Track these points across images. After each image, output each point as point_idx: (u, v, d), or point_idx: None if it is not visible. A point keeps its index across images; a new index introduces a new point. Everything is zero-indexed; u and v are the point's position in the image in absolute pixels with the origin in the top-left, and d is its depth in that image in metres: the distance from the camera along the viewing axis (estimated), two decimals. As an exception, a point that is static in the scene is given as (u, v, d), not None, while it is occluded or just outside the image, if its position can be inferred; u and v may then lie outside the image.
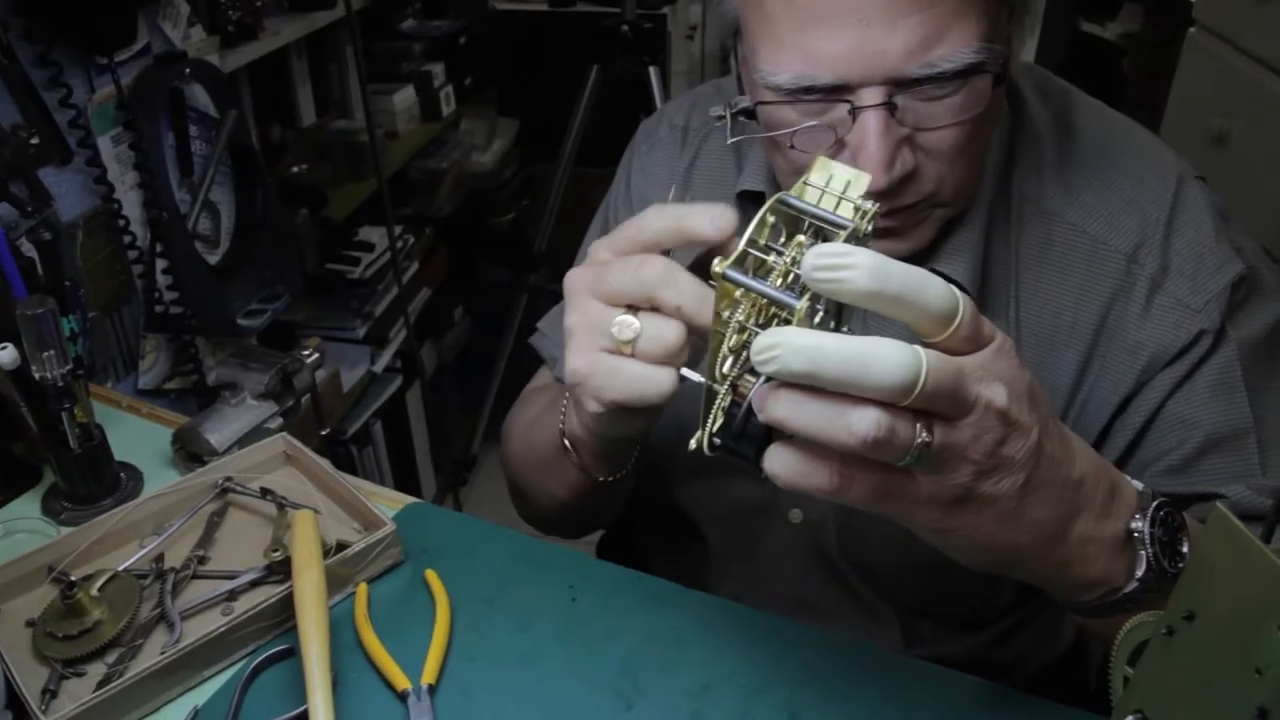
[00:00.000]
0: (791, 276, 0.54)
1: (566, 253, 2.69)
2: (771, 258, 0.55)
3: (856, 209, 0.56)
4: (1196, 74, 2.05)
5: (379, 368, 2.18)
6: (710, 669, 0.75)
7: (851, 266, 0.46)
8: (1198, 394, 0.78)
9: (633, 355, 0.62)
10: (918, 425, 0.49)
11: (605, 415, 0.66)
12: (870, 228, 0.56)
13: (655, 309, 0.61)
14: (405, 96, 2.31)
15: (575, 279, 0.66)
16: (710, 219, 0.60)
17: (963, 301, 0.50)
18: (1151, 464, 0.80)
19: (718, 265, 0.53)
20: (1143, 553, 0.62)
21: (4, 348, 0.83)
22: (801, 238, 0.56)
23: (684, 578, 0.85)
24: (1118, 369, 0.79)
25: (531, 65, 2.82)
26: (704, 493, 0.96)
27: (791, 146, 0.71)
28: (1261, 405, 0.78)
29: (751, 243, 0.55)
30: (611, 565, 0.85)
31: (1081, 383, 0.81)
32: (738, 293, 0.54)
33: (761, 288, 0.53)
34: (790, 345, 0.47)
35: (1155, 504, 0.63)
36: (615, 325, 0.62)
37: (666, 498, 0.99)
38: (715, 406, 0.56)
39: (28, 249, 1.05)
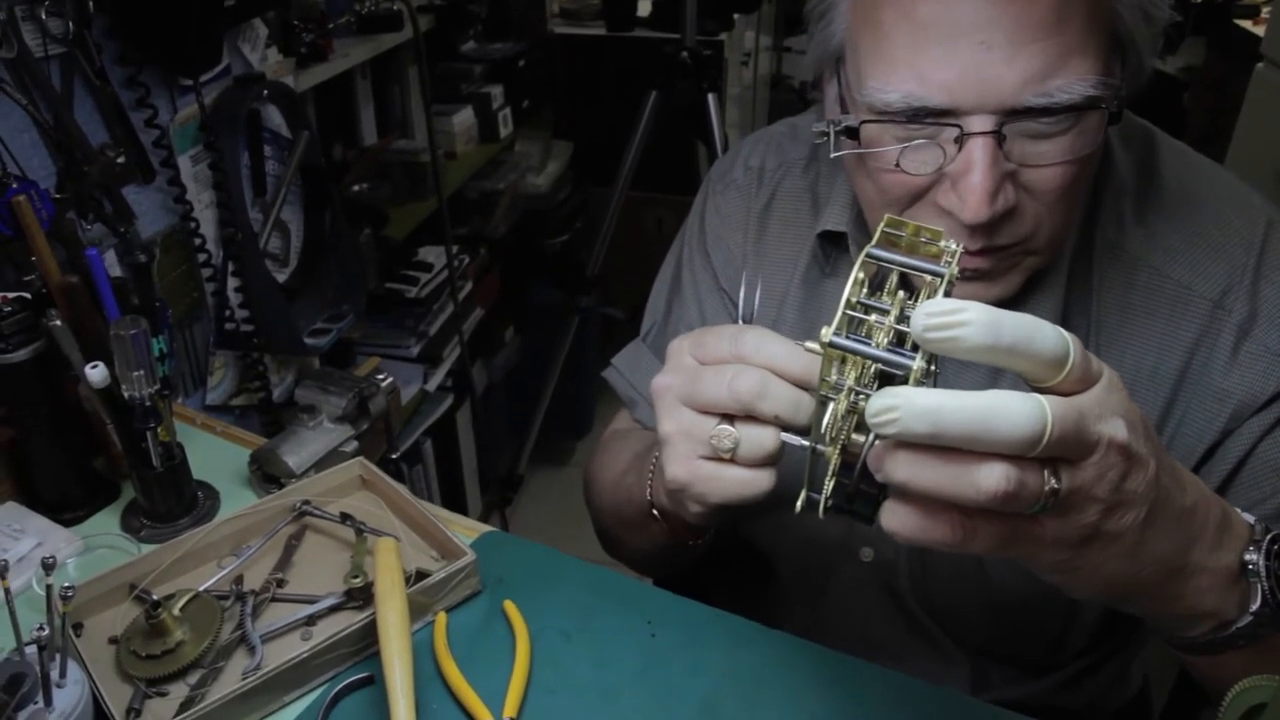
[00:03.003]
0: (894, 334, 0.53)
1: (619, 276, 2.70)
2: (873, 317, 0.54)
3: (941, 252, 0.55)
4: (1264, 110, 2.02)
5: (432, 386, 2.19)
6: (791, 710, 0.75)
7: (964, 324, 0.45)
8: None
9: (732, 461, 0.63)
10: (1045, 473, 0.48)
11: (707, 514, 0.67)
12: (957, 271, 0.55)
13: (751, 416, 0.61)
14: (464, 118, 2.33)
15: (664, 386, 0.66)
16: (803, 365, 0.60)
17: (1072, 343, 0.48)
18: (1244, 512, 0.78)
19: (824, 334, 0.52)
20: (1257, 585, 0.60)
21: (95, 366, 0.85)
22: (902, 293, 0.55)
23: (749, 611, 0.84)
24: (1203, 416, 0.78)
25: (588, 89, 2.85)
26: (775, 528, 0.95)
27: (896, 166, 0.69)
28: None
29: (848, 304, 0.54)
30: (690, 601, 0.84)
31: (1163, 429, 0.80)
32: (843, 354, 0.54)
33: (872, 352, 0.51)
34: (910, 407, 0.46)
35: (1270, 536, 0.61)
36: (714, 436, 0.62)
37: (733, 531, 0.98)
38: (830, 469, 0.55)
39: (109, 264, 1.07)
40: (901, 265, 0.55)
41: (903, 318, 0.53)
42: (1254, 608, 0.61)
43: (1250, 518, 0.63)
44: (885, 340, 0.53)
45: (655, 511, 0.80)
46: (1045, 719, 0.75)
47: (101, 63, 1.11)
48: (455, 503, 2.42)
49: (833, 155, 0.73)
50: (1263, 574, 0.60)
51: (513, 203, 2.57)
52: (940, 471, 0.48)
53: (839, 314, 0.53)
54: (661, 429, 0.66)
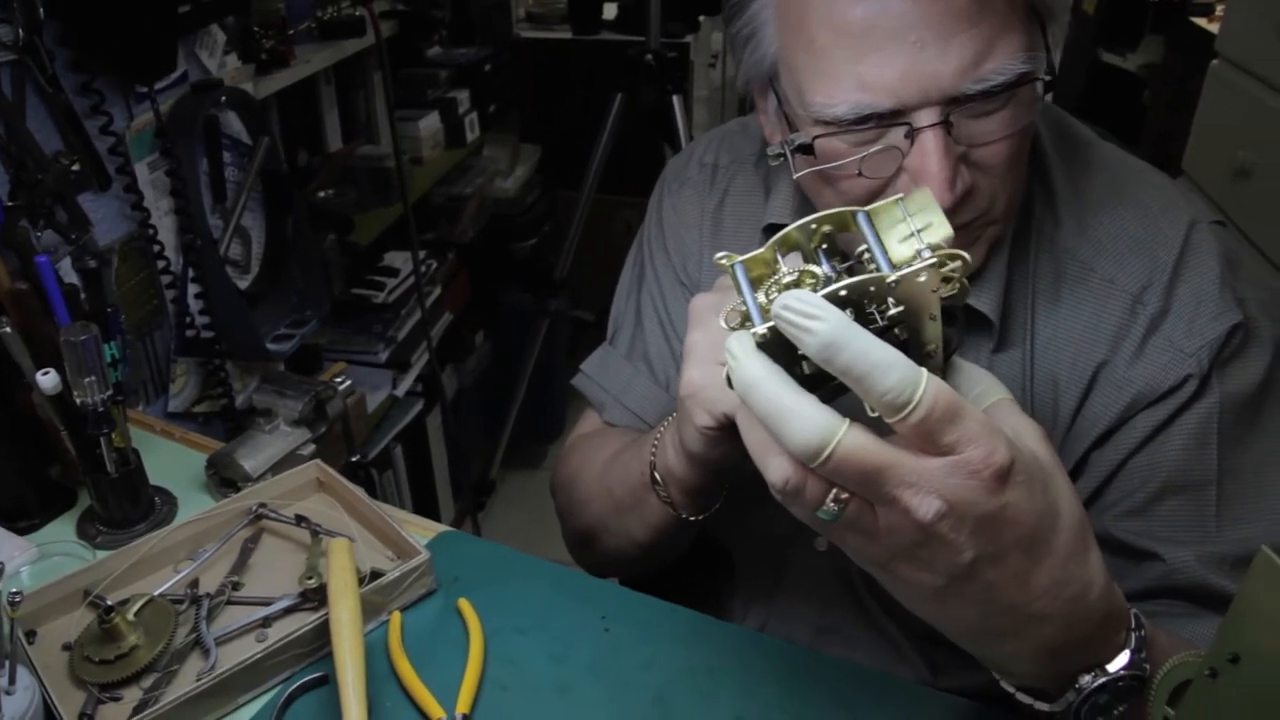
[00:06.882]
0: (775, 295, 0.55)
1: (588, 279, 2.71)
2: (781, 269, 0.56)
3: (917, 254, 0.54)
4: (1219, 107, 2.05)
5: (400, 391, 2.19)
6: (744, 701, 0.75)
7: (809, 330, 0.48)
8: (1172, 440, 0.78)
9: None
10: (834, 491, 0.51)
11: (711, 434, 0.69)
12: (894, 279, 0.52)
13: None
14: (430, 123, 2.33)
15: (702, 301, 0.70)
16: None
17: (925, 400, 0.48)
18: (1115, 505, 0.80)
19: (730, 258, 0.57)
20: (1069, 697, 0.60)
21: (46, 373, 0.85)
22: (817, 269, 0.56)
23: (707, 603, 0.84)
24: (1104, 401, 0.80)
25: (554, 93, 2.85)
26: (732, 519, 0.96)
27: (859, 174, 0.71)
28: (1237, 459, 0.78)
29: (787, 242, 0.57)
30: (644, 596, 0.85)
31: (1076, 418, 0.81)
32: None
33: (747, 298, 0.56)
34: (738, 367, 0.51)
35: (1091, 695, 0.60)
36: None
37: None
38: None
39: (65, 272, 1.07)
40: (867, 241, 0.56)
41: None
42: (1056, 710, 0.61)
43: (1123, 661, 0.60)
44: (765, 299, 0.55)
45: (657, 475, 0.80)
46: (1001, 707, 0.76)
47: (54, 70, 1.11)
48: (427, 508, 2.42)
49: (795, 176, 0.75)
50: (1073, 706, 0.60)
51: (481, 207, 2.57)
52: (755, 439, 0.53)
53: (760, 250, 0.57)
54: (689, 339, 0.70)
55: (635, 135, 2.23)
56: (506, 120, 2.77)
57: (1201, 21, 2.40)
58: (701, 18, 2.78)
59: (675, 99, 2.16)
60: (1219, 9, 2.37)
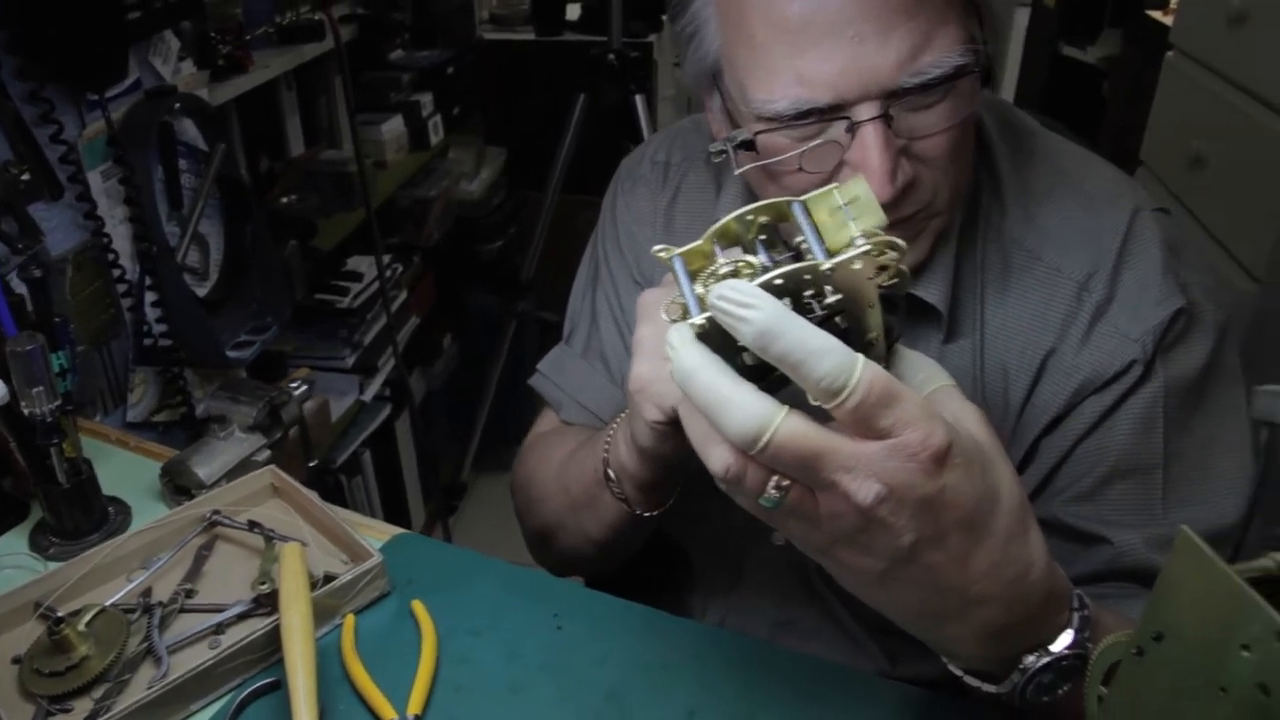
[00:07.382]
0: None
1: (554, 280, 2.71)
2: (718, 260, 0.56)
3: (851, 241, 0.54)
4: (1174, 98, 2.07)
5: (368, 396, 2.18)
6: (698, 694, 0.76)
7: (744, 319, 0.49)
8: (1119, 425, 0.79)
9: None
10: (774, 478, 0.51)
11: (660, 428, 0.69)
12: (829, 267, 0.52)
13: None
14: (393, 126, 2.32)
15: (650, 297, 0.71)
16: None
17: (861, 385, 0.49)
18: (1064, 490, 0.82)
19: (669, 251, 0.57)
20: (1015, 681, 0.61)
21: (-8, 384, 0.84)
22: (754, 259, 0.56)
23: (666, 600, 0.85)
24: (1051, 389, 0.81)
25: (519, 94, 2.85)
26: (689, 515, 0.96)
27: (800, 169, 0.72)
28: (1182, 443, 0.79)
29: (726, 234, 0.57)
30: (597, 593, 0.85)
31: (1025, 406, 0.82)
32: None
33: (685, 290, 0.56)
34: (676, 358, 0.52)
35: (1034, 676, 0.61)
36: None
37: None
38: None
39: (17, 284, 1.06)
40: (804, 230, 0.56)
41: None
42: (1002, 691, 0.62)
43: (1066, 641, 0.61)
44: (702, 289, 0.56)
45: (611, 473, 0.81)
46: (955, 693, 0.77)
47: (1, 78, 1.10)
48: (397, 513, 2.41)
49: (737, 172, 0.75)
50: (1018, 687, 0.61)
51: (446, 210, 2.56)
52: (696, 428, 0.54)
53: (697, 242, 0.57)
54: (637, 334, 0.70)
55: (599, 135, 2.24)
56: (470, 122, 2.77)
57: (1157, 14, 2.44)
58: (664, 17, 2.79)
59: (638, 98, 2.17)
60: (1173, 2, 2.40)
